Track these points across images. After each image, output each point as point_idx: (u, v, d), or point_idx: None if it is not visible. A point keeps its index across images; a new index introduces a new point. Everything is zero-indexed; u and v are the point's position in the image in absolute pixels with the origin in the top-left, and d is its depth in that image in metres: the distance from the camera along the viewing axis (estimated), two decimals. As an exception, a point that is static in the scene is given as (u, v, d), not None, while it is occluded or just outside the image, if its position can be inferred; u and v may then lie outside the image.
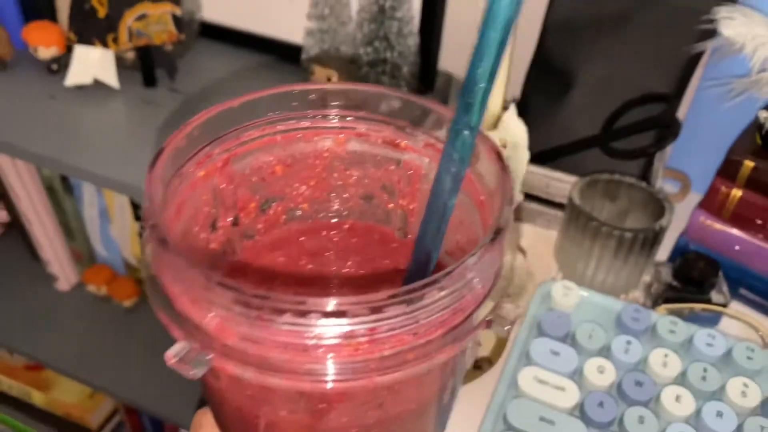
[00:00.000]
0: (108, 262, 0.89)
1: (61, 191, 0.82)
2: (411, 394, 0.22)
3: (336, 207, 0.29)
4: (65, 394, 1.03)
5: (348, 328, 0.17)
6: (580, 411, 0.41)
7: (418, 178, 0.27)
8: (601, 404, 0.40)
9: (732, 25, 0.45)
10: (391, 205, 0.28)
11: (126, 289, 0.87)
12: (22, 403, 1.06)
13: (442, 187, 0.21)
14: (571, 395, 0.41)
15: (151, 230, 0.19)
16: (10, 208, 0.88)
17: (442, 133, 0.25)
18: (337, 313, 0.17)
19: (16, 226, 0.92)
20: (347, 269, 0.28)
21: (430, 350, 0.19)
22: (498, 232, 0.20)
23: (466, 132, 0.20)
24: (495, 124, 0.47)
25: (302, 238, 0.29)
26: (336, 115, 0.26)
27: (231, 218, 0.27)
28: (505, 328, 0.21)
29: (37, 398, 1.04)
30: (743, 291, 0.52)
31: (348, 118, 0.26)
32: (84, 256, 0.90)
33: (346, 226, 0.29)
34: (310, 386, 0.18)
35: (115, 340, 0.86)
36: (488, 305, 0.21)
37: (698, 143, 0.62)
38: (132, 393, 0.81)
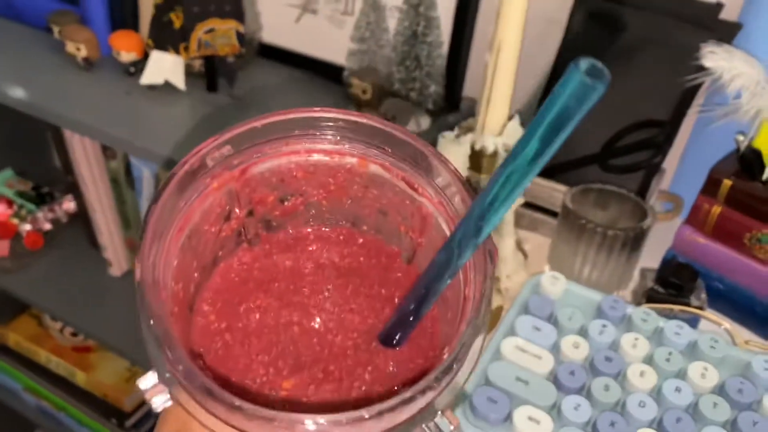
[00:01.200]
0: (158, 252, 0.99)
1: (124, 184, 0.92)
2: None
3: (353, 213, 0.30)
4: (105, 376, 1.11)
5: None
6: (554, 377, 0.46)
7: (430, 225, 0.28)
8: (572, 372, 0.46)
9: (713, 58, 0.51)
10: (402, 228, 0.30)
11: (171, 278, 0.95)
12: (65, 381, 1.15)
13: (437, 276, 0.23)
14: (546, 363, 0.47)
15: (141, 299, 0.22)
16: (79, 199, 0.99)
17: (451, 194, 0.26)
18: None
19: (81, 215, 1.02)
20: (345, 290, 0.29)
21: None
22: (453, 361, 0.22)
23: (469, 249, 0.22)
24: (500, 132, 0.54)
25: (312, 247, 0.30)
26: (359, 142, 0.28)
27: (246, 210, 0.28)
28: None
29: (80, 378, 1.12)
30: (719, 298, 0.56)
31: (371, 150, 0.28)
32: (137, 245, 0.99)
33: (360, 240, 0.30)
34: None
35: (157, 323, 0.94)
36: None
37: (697, 171, 0.67)
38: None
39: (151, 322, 0.22)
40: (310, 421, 0.20)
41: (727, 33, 0.58)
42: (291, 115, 0.27)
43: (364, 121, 0.27)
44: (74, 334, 1.17)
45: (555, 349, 0.48)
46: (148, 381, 0.22)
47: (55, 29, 0.82)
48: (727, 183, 0.54)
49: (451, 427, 0.24)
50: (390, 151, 0.28)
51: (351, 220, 0.31)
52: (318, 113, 0.27)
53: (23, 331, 1.18)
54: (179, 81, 0.74)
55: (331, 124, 0.27)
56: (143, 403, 1.14)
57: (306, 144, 0.28)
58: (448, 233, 0.27)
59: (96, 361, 1.13)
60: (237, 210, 0.28)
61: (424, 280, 0.24)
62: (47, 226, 1.05)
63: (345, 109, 0.28)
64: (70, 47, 0.78)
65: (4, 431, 1.31)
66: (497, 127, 0.53)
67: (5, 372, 1.22)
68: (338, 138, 0.28)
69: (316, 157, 0.28)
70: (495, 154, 0.53)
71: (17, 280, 1.01)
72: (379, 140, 0.28)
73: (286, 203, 0.30)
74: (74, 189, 0.97)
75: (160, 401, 0.22)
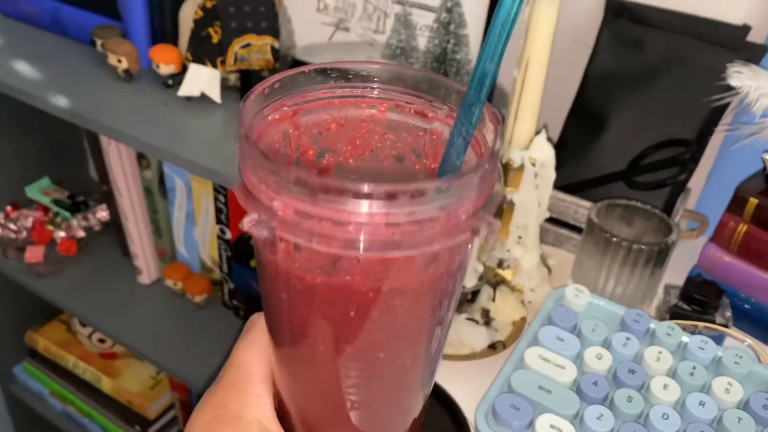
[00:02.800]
0: (186, 262, 1.01)
1: (157, 193, 0.95)
2: (425, 270, 0.27)
3: (374, 167, 0.34)
4: (130, 383, 1.13)
5: (383, 210, 0.24)
6: (576, 387, 0.47)
7: (440, 143, 0.33)
8: (595, 383, 0.46)
9: (740, 77, 0.52)
10: (417, 166, 0.34)
11: (199, 287, 0.97)
12: (90, 387, 1.17)
13: (455, 146, 0.28)
14: (569, 373, 0.47)
15: (242, 136, 0.26)
16: (112, 208, 1.02)
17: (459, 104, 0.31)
18: (370, 195, 0.23)
19: (114, 224, 1.05)
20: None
21: (428, 240, 0.25)
22: (493, 154, 0.27)
23: (475, 107, 0.27)
24: (527, 146, 0.55)
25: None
26: (379, 88, 0.32)
27: (295, 157, 0.33)
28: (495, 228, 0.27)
29: (106, 384, 1.14)
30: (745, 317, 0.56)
31: (390, 92, 0.32)
32: (167, 254, 1.01)
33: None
34: (345, 253, 0.25)
35: (184, 331, 0.96)
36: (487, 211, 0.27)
37: (723, 191, 0.67)
38: (191, 375, 0.90)
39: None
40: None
41: (755, 54, 0.59)
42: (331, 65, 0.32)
43: (386, 68, 0.32)
44: (101, 341, 1.19)
45: (578, 359, 0.49)
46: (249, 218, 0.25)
47: (98, 42, 0.85)
48: (754, 201, 0.54)
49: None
50: (403, 89, 0.32)
51: (372, 178, 0.34)
52: (346, 64, 0.31)
53: (52, 337, 1.21)
54: (215, 93, 0.77)
55: (363, 72, 0.32)
56: (167, 410, 1.16)
57: (339, 92, 0.32)
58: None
59: (122, 368, 1.15)
60: (288, 153, 0.32)
61: (448, 154, 0.28)
62: (81, 234, 1.08)
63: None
64: (112, 59, 0.81)
65: (29, 435, 1.33)
66: (524, 141, 0.55)
67: (33, 376, 1.25)
68: (366, 88, 0.32)
69: (347, 110, 0.33)
70: (522, 167, 0.54)
71: (50, 285, 1.04)
72: (399, 84, 0.32)
73: (323, 160, 0.34)
74: (108, 198, 1.00)
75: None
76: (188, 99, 0.77)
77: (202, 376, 0.90)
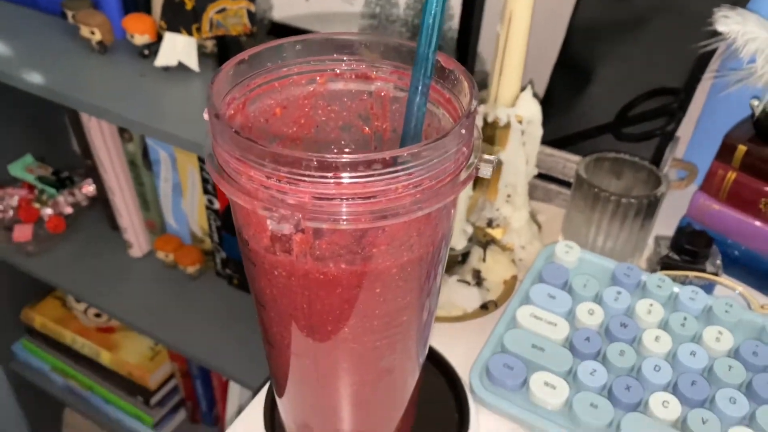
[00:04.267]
0: (176, 233, 1.00)
1: (141, 166, 0.94)
2: (427, 238, 0.28)
3: (321, 139, 0.35)
4: (129, 355, 1.14)
5: (397, 174, 0.24)
6: (569, 343, 0.47)
7: (388, 100, 0.33)
8: (587, 339, 0.46)
9: (727, 22, 0.51)
10: (367, 130, 0.35)
11: (191, 257, 0.97)
12: (90, 361, 1.17)
13: (415, 94, 0.28)
14: (561, 330, 0.47)
15: (216, 119, 0.26)
16: (98, 182, 1.01)
17: (402, 60, 0.32)
18: (388, 162, 0.24)
19: (101, 199, 1.04)
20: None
21: (444, 192, 0.26)
22: (470, 113, 0.27)
23: (429, 53, 0.27)
24: (513, 103, 0.54)
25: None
26: (315, 60, 0.32)
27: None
28: (492, 163, 0.28)
29: (105, 357, 1.15)
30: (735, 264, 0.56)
31: (325, 62, 0.32)
32: (156, 227, 1.01)
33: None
34: (369, 224, 0.25)
35: (179, 302, 0.96)
36: (472, 161, 0.28)
37: (711, 138, 0.67)
38: (188, 346, 0.91)
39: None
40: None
41: (742, -3, 0.58)
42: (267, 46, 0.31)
43: (321, 37, 0.32)
44: (98, 315, 1.20)
45: (570, 316, 0.49)
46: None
47: (69, 14, 0.83)
48: (742, 149, 0.54)
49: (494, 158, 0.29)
50: (338, 57, 0.32)
51: (322, 147, 0.35)
52: (279, 42, 0.31)
53: (48, 313, 1.21)
54: (193, 62, 0.75)
55: (299, 47, 0.32)
56: (168, 379, 1.17)
57: (277, 74, 0.32)
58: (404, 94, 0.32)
59: (119, 341, 1.16)
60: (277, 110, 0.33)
61: (410, 102, 0.29)
62: (68, 210, 1.07)
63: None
64: (85, 31, 0.79)
65: (34, 410, 1.34)
66: (510, 98, 0.54)
67: (33, 353, 1.26)
68: (302, 64, 0.32)
69: (288, 90, 0.33)
70: (508, 125, 0.53)
71: (41, 263, 1.03)
72: (334, 52, 0.32)
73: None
74: (93, 172, 0.99)
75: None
76: (165, 69, 0.76)
77: (199, 345, 0.90)
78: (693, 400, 0.43)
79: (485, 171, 0.28)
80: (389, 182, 0.24)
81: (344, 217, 0.24)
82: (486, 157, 0.28)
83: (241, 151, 0.25)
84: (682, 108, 0.60)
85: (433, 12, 0.27)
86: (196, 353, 0.90)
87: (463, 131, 0.26)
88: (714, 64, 0.60)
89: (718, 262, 0.54)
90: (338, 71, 0.33)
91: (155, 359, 1.14)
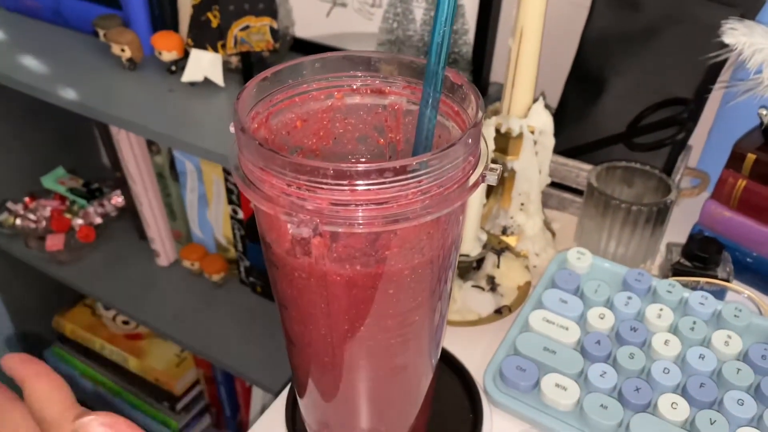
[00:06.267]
0: (202, 242, 1.03)
1: (169, 177, 0.97)
2: (437, 241, 0.30)
3: (339, 150, 0.37)
4: (156, 362, 1.17)
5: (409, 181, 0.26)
6: (580, 346, 0.48)
7: (401, 113, 0.35)
8: (598, 342, 0.48)
9: (734, 34, 0.52)
10: (381, 141, 0.37)
11: (215, 266, 1.00)
12: (119, 367, 1.21)
13: (425, 107, 0.30)
14: (573, 333, 0.49)
15: (241, 133, 0.28)
16: (126, 194, 1.04)
17: (414, 75, 0.34)
18: (400, 170, 0.26)
19: (129, 209, 1.08)
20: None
21: (452, 198, 0.28)
22: (476, 124, 0.29)
23: (439, 70, 0.29)
24: (525, 114, 0.56)
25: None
26: (333, 77, 0.34)
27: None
28: (497, 172, 0.29)
29: (132, 364, 1.18)
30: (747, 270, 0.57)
31: (343, 78, 0.34)
32: (182, 236, 1.04)
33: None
34: (381, 228, 0.27)
35: (204, 309, 0.99)
36: (479, 169, 0.29)
37: (723, 147, 0.68)
38: (213, 352, 0.94)
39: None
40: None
41: (751, 8, 0.59)
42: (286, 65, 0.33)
43: (338, 55, 0.34)
44: (125, 323, 1.23)
45: (581, 320, 0.50)
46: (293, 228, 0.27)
47: (101, 33, 0.86)
48: (751, 157, 0.55)
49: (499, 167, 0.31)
50: (353, 73, 0.34)
51: (341, 157, 0.37)
52: (299, 61, 0.33)
53: (78, 321, 1.25)
54: (218, 77, 0.78)
55: (318, 65, 0.34)
56: (193, 385, 1.20)
57: (297, 90, 0.34)
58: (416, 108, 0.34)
59: (147, 348, 1.19)
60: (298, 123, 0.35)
61: (422, 114, 0.30)
62: (98, 220, 1.11)
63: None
64: (115, 49, 0.83)
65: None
66: (522, 109, 0.55)
67: (63, 359, 1.29)
68: (322, 80, 0.34)
69: (308, 104, 0.35)
70: (521, 135, 0.55)
71: (72, 272, 1.07)
72: (351, 69, 0.34)
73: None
74: (122, 184, 1.02)
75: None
76: (192, 84, 0.79)
77: (224, 351, 0.93)
78: (701, 401, 0.44)
79: (491, 178, 0.30)
80: (400, 189, 0.26)
81: (359, 222, 0.26)
82: (492, 165, 0.30)
83: (264, 162, 0.27)
84: (693, 118, 0.61)
85: (441, 32, 0.29)
86: (221, 359, 0.93)
87: (470, 141, 0.28)
88: (724, 75, 0.61)
89: (729, 268, 0.55)
90: (354, 87, 0.35)
91: (181, 365, 1.17)
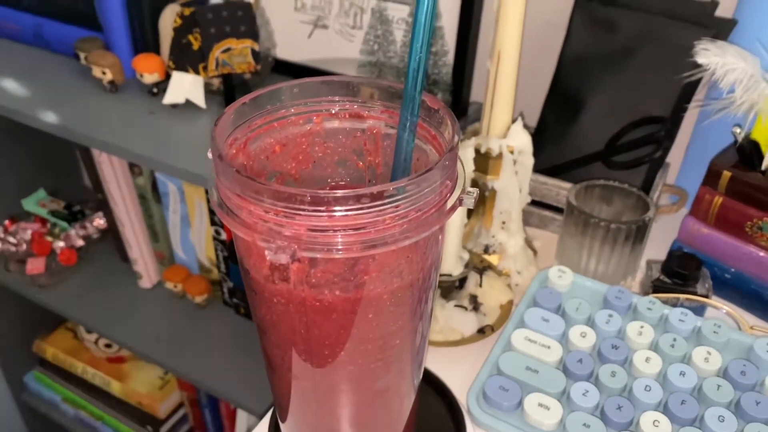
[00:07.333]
0: (184, 263, 1.03)
1: (151, 199, 0.97)
2: (416, 264, 0.30)
3: (318, 174, 0.37)
4: (139, 385, 1.16)
5: (387, 206, 0.26)
6: (562, 365, 0.48)
7: (380, 137, 0.36)
8: (580, 360, 0.48)
9: (707, 54, 0.53)
10: (361, 165, 0.37)
11: (198, 287, 0.99)
12: (101, 391, 1.19)
13: (403, 131, 0.30)
14: (555, 352, 0.49)
15: (218, 160, 0.28)
16: (108, 215, 1.04)
17: (392, 99, 0.34)
18: (378, 195, 0.26)
19: (112, 231, 1.07)
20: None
21: (430, 221, 0.28)
22: (453, 148, 0.29)
23: (416, 94, 0.30)
24: (504, 134, 0.56)
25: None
26: (311, 102, 0.35)
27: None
28: (473, 195, 0.30)
29: (115, 387, 1.17)
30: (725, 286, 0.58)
31: (322, 103, 0.35)
32: (165, 257, 1.03)
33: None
34: (360, 253, 0.27)
35: (187, 331, 0.98)
36: (456, 193, 0.30)
37: (700, 164, 0.69)
38: (196, 374, 0.93)
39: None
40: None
41: (723, 28, 0.60)
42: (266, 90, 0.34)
43: (315, 81, 0.34)
44: (108, 346, 1.22)
45: (563, 339, 0.51)
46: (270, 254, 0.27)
47: (82, 55, 0.86)
48: (727, 174, 0.55)
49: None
50: (331, 99, 0.35)
51: (319, 182, 0.37)
52: (277, 87, 0.34)
53: (60, 344, 1.23)
54: (200, 99, 0.78)
55: (296, 90, 0.34)
56: (177, 408, 1.18)
57: (276, 115, 0.34)
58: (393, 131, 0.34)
59: (130, 371, 1.18)
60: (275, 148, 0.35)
61: (399, 138, 0.31)
62: (80, 243, 1.10)
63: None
64: (96, 72, 0.82)
65: (45, 442, 1.36)
66: (501, 130, 0.56)
67: (44, 384, 1.27)
68: (300, 105, 0.35)
69: (287, 129, 0.35)
70: (500, 155, 0.56)
71: (53, 295, 1.06)
72: (339, 93, 0.35)
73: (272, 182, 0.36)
74: (104, 206, 1.02)
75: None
76: (174, 106, 0.79)
77: (208, 373, 0.92)
78: (683, 418, 0.44)
79: (468, 202, 0.30)
80: (378, 214, 0.26)
81: (337, 247, 0.27)
82: (469, 189, 0.30)
83: (242, 189, 0.27)
84: (670, 136, 0.62)
85: (417, 58, 0.29)
86: (205, 381, 0.92)
87: (447, 164, 0.29)
88: (699, 94, 0.63)
89: (708, 284, 0.56)
90: (333, 111, 0.35)
91: (165, 388, 1.16)
